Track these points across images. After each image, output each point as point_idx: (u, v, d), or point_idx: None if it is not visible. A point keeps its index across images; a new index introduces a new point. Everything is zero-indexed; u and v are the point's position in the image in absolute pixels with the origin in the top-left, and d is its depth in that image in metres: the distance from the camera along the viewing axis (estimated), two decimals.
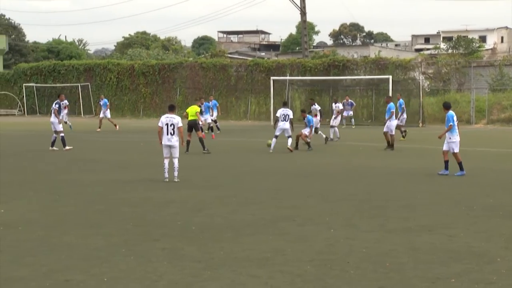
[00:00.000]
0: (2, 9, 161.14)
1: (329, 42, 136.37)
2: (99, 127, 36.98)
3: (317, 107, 30.64)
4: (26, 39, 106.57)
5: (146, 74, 57.17)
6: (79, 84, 59.07)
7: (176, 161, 17.08)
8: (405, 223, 11.70)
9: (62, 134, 25.56)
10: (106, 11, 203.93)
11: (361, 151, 25.97)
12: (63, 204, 13.66)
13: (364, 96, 49.50)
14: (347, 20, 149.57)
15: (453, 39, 69.00)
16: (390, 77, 45.99)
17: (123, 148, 26.81)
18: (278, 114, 25.80)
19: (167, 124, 17.06)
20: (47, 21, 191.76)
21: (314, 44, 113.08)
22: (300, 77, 50.87)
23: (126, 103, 57.50)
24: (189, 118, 25.58)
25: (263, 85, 51.51)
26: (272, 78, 49.58)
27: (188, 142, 24.75)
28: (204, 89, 53.88)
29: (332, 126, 31.06)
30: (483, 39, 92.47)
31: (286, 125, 25.11)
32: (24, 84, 61.89)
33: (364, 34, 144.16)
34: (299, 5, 59.39)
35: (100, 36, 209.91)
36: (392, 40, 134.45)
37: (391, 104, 26.82)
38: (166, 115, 17.39)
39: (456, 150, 18.31)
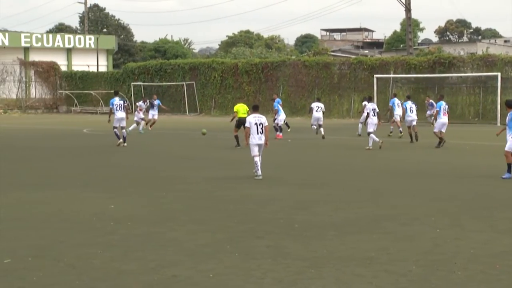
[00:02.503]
0: (111, 10, 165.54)
1: (435, 39, 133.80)
2: (147, 125, 37.21)
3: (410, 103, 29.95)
4: (134, 39, 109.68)
5: (249, 72, 57.72)
6: (184, 83, 60.29)
7: (259, 158, 17.57)
8: None
9: (115, 130, 27.12)
10: (211, 10, 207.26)
11: (467, 150, 25.36)
12: (170, 201, 13.97)
13: (471, 94, 48.28)
14: (453, 16, 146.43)
15: None
16: (499, 74, 44.71)
17: (223, 146, 27.11)
18: (368, 110, 26.04)
19: (256, 124, 17.47)
20: (154, 21, 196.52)
21: (419, 41, 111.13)
22: (404, 75, 50.14)
23: (229, 101, 58.22)
24: (239, 116, 27.11)
25: (366, 83, 51.09)
26: (375, 76, 49.11)
27: (236, 137, 26.73)
28: (307, 87, 53.99)
29: (361, 122, 33.10)
30: None
31: (376, 120, 25.70)
32: (132, 83, 63.72)
33: (471, 30, 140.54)
34: (403, 2, 58.51)
35: (205, 35, 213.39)
36: (501, 36, 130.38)
37: (440, 102, 26.91)
38: (254, 115, 17.87)
39: None
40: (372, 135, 25.38)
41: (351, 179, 17.36)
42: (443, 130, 26.33)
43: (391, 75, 49.78)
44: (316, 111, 32.12)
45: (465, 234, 10.58)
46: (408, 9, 58.57)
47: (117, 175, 18.18)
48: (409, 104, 29.55)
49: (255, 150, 17.50)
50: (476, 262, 8.88)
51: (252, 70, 57.57)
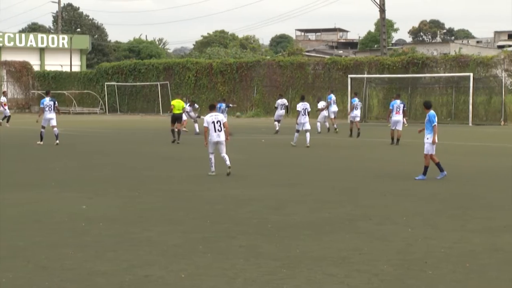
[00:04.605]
0: (85, 9, 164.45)
1: (408, 39, 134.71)
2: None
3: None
4: (108, 39, 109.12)
5: (224, 72, 57.66)
6: (158, 83, 60.08)
7: (225, 154, 17.88)
8: (486, 223, 11.45)
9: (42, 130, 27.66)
10: (186, 10, 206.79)
11: (440, 150, 25.50)
12: (144, 201, 13.91)
13: (444, 94, 48.66)
14: (427, 17, 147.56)
15: None
16: (471, 74, 45.10)
17: (197, 145, 27.03)
18: (299, 109, 27.02)
19: (213, 122, 17.79)
20: (128, 21, 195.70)
21: (393, 42, 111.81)
22: (378, 75, 50.39)
23: (204, 101, 58.03)
24: (175, 112, 28.62)
25: (340, 83, 51.24)
26: (349, 76, 49.29)
27: (172, 131, 28.26)
28: (281, 87, 54.02)
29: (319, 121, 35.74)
30: None
31: (307, 119, 26.66)
32: (105, 83, 63.38)
33: (445, 31, 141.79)
34: (378, 2, 58.81)
35: (179, 35, 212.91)
36: (473, 37, 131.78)
37: (393, 101, 28.26)
38: (210, 114, 18.16)
39: (431, 151, 17.33)
40: (296, 134, 26.66)
41: (326, 179, 17.40)
42: (399, 128, 27.17)
43: (365, 75, 49.99)
44: (281, 109, 34.07)
45: (436, 234, 10.65)
46: (382, 10, 58.88)
47: (93, 175, 18.05)
48: (356, 101, 32.55)
49: (212, 148, 17.97)
50: (447, 261, 8.94)
51: (226, 70, 57.52)
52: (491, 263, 8.84)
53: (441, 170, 17.32)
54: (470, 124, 43.44)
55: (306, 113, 26.79)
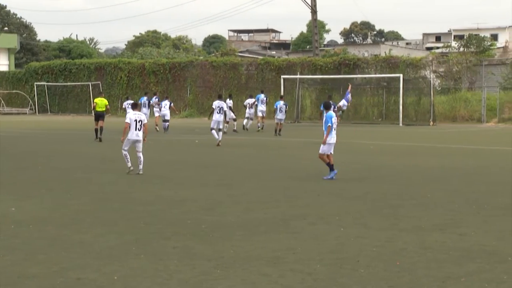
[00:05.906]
0: (13, 8, 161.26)
1: (340, 40, 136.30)
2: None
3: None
4: (38, 38, 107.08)
5: (156, 73, 57.31)
6: (89, 83, 59.31)
7: (141, 155, 18.24)
8: (417, 222, 11.67)
9: None
10: (118, 9, 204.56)
11: (372, 150, 25.93)
12: (76, 203, 13.70)
13: (375, 94, 49.49)
14: (358, 19, 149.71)
15: (465, 37, 68.74)
16: (401, 75, 45.97)
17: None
18: (214, 106, 27.71)
19: (135, 120, 18.18)
20: (58, 20, 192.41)
21: (325, 43, 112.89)
22: (310, 76, 50.87)
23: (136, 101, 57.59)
24: (98, 109, 29.55)
25: (273, 83, 51.56)
26: (282, 76, 49.62)
27: (96, 130, 28.89)
28: (214, 88, 54.02)
29: (247, 118, 37.43)
30: (494, 37, 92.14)
31: (221, 117, 27.33)
32: (35, 83, 62.23)
33: (375, 32, 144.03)
34: (309, 4, 59.33)
35: (111, 35, 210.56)
36: (403, 39, 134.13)
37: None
38: (134, 112, 18.58)
39: (331, 151, 17.49)
40: (213, 131, 26.98)
41: (261, 179, 17.45)
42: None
43: (298, 76, 50.37)
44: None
45: (368, 233, 10.80)
46: (314, 11, 59.41)
47: (23, 177, 17.68)
48: (280, 104, 34.41)
49: (128, 145, 18.21)
50: (378, 259, 9.08)
51: (159, 70, 57.18)
52: (420, 261, 9.02)
53: (332, 169, 17.33)
54: (401, 125, 44.25)
55: (222, 112, 27.18)
